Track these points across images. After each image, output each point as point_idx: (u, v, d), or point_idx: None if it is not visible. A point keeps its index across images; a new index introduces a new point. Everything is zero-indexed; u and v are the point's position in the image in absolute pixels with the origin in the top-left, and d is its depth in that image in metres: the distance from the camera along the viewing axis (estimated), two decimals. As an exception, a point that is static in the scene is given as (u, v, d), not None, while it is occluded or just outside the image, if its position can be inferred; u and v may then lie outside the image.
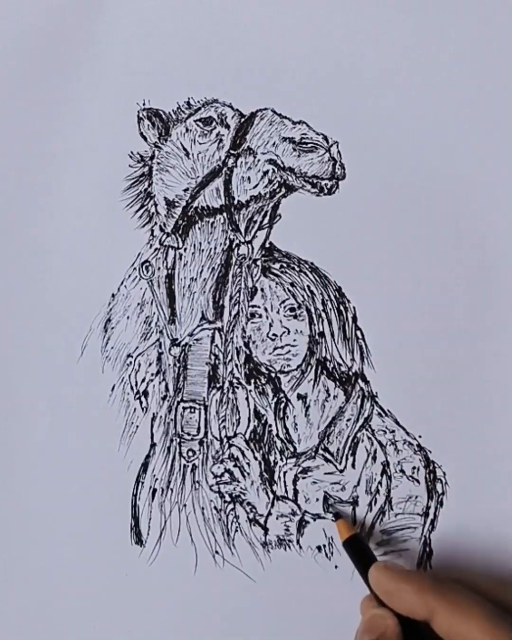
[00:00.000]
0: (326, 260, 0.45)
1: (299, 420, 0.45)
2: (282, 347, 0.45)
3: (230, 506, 0.45)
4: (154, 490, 0.45)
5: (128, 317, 0.46)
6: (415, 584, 0.38)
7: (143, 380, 0.46)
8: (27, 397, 0.46)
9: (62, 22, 0.47)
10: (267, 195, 0.45)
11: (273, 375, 0.45)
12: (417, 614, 0.38)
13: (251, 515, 0.45)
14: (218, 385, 0.45)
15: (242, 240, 0.45)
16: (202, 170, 0.45)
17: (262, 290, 0.45)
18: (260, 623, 0.44)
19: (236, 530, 0.45)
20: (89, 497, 0.46)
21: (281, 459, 0.45)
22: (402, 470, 0.44)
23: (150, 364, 0.46)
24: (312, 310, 0.45)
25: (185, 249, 0.46)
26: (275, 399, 0.45)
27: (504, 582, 0.42)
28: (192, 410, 0.45)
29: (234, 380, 0.45)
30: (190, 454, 0.45)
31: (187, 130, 0.46)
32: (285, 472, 0.45)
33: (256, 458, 0.45)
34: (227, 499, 0.45)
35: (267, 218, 0.45)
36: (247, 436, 0.45)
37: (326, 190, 0.44)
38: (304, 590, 0.44)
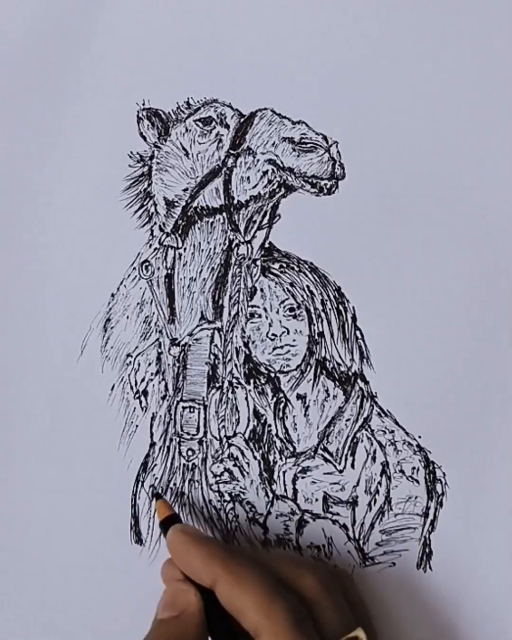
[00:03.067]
0: (326, 260, 0.45)
1: (299, 420, 0.45)
2: (281, 347, 0.45)
3: (230, 505, 0.45)
4: (154, 490, 0.46)
5: (128, 317, 0.46)
6: (204, 550, 0.38)
7: (143, 380, 0.46)
8: (27, 397, 0.47)
9: (62, 22, 0.47)
10: (267, 195, 0.45)
11: (272, 375, 0.45)
12: (203, 581, 0.37)
13: (250, 515, 0.45)
14: (218, 385, 0.45)
15: (242, 240, 0.45)
16: (202, 170, 0.45)
17: (261, 290, 0.45)
18: (259, 622, 0.44)
19: (236, 530, 0.45)
20: (88, 497, 0.46)
21: (281, 459, 0.45)
22: (401, 471, 0.44)
23: (149, 364, 0.46)
24: (312, 310, 0.45)
25: (184, 249, 0.46)
26: (274, 399, 0.45)
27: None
28: (192, 409, 0.45)
29: (234, 380, 0.45)
30: (189, 453, 0.45)
31: (186, 130, 0.46)
32: (284, 472, 0.45)
33: (255, 457, 0.45)
34: (227, 498, 0.45)
35: (267, 218, 0.45)
36: (246, 436, 0.45)
37: (325, 190, 0.44)
38: (303, 590, 0.44)
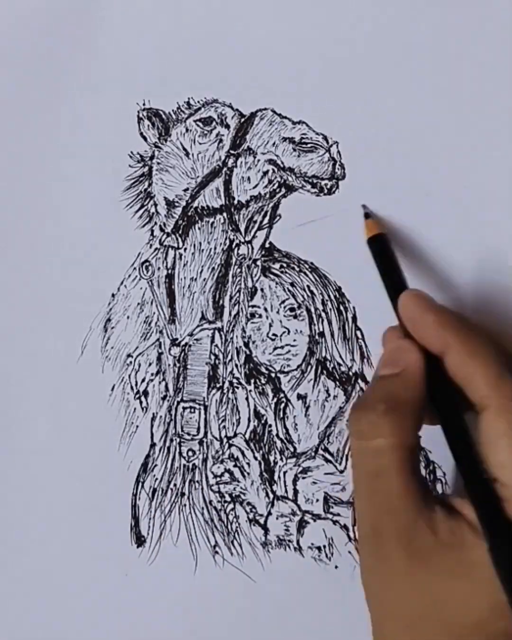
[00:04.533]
0: (326, 260, 0.45)
1: (299, 421, 0.45)
2: (282, 347, 0.45)
3: (230, 506, 0.45)
4: (154, 490, 0.46)
5: (128, 317, 0.46)
6: (439, 317, 0.36)
7: (143, 380, 0.46)
8: (27, 397, 0.47)
9: (61, 22, 0.47)
10: (267, 195, 0.45)
11: (273, 375, 0.45)
12: (434, 347, 0.36)
13: (251, 516, 0.45)
14: (218, 385, 0.45)
15: (242, 240, 0.45)
16: (202, 170, 0.46)
17: (262, 290, 0.45)
18: (260, 623, 0.44)
19: (236, 530, 0.45)
20: (88, 497, 0.46)
21: (281, 459, 0.45)
22: (402, 471, 0.44)
23: (150, 364, 0.46)
24: (312, 310, 0.45)
25: (185, 249, 0.46)
26: (275, 399, 0.45)
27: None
28: (192, 410, 0.45)
29: (234, 380, 0.45)
30: (190, 453, 0.45)
31: (187, 130, 0.46)
32: (285, 472, 0.45)
33: (255, 458, 0.45)
34: (227, 499, 0.45)
35: (267, 218, 0.45)
36: (247, 436, 0.45)
37: (325, 190, 0.44)
38: (304, 590, 0.44)
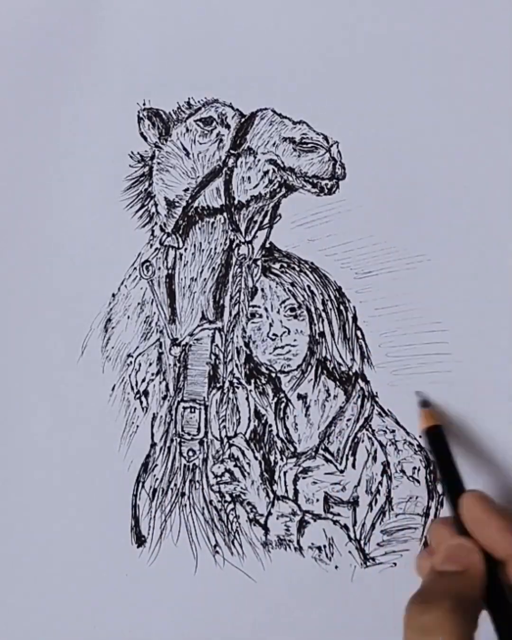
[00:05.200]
0: (326, 260, 0.45)
1: (299, 420, 0.45)
2: (282, 347, 0.45)
3: (231, 506, 0.45)
4: (155, 490, 0.46)
5: (128, 317, 0.46)
6: (504, 522, 0.36)
7: (143, 380, 0.46)
8: (28, 397, 0.47)
9: (62, 22, 0.47)
10: (268, 195, 0.45)
11: (273, 375, 0.45)
12: (496, 552, 0.36)
13: (251, 515, 0.45)
14: (218, 385, 0.45)
15: (243, 240, 0.45)
16: (203, 170, 0.46)
17: (262, 290, 0.45)
18: (260, 623, 0.44)
19: (236, 530, 0.45)
20: (89, 497, 0.46)
21: (281, 459, 0.45)
22: (402, 471, 0.44)
23: (150, 364, 0.46)
24: (313, 310, 0.45)
25: (185, 249, 0.46)
26: (275, 399, 0.45)
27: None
28: (193, 410, 0.45)
29: (235, 380, 0.45)
30: (190, 453, 0.45)
31: (187, 130, 0.46)
32: (285, 472, 0.45)
33: (256, 458, 0.45)
34: (228, 498, 0.45)
35: (268, 218, 0.45)
36: (247, 436, 0.45)
37: (326, 190, 0.44)
38: (304, 590, 0.44)
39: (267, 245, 0.45)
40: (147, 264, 0.46)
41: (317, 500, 0.44)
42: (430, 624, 0.34)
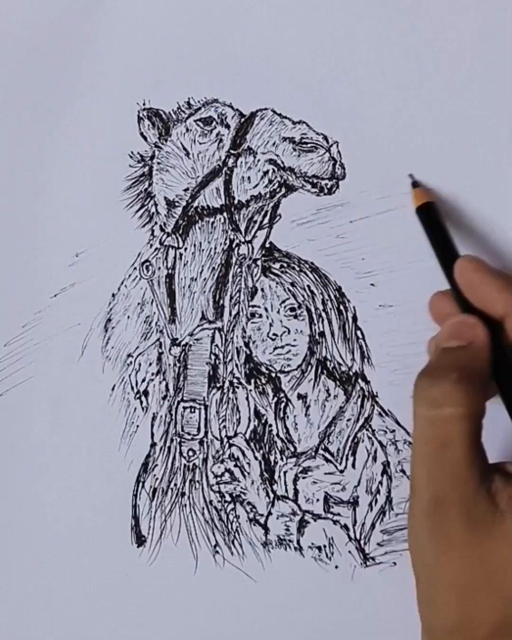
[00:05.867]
0: (326, 260, 0.45)
1: (299, 420, 0.45)
2: (282, 347, 0.45)
3: (231, 506, 0.45)
4: (155, 490, 0.46)
5: (128, 317, 0.46)
6: (500, 280, 0.37)
7: (143, 380, 0.46)
8: (28, 397, 0.47)
9: (62, 22, 0.47)
10: (267, 195, 0.45)
11: (273, 375, 0.45)
12: (495, 311, 0.36)
13: (251, 515, 0.45)
14: (218, 385, 0.45)
15: (243, 240, 0.45)
16: (203, 170, 0.46)
17: (262, 290, 0.45)
18: (260, 623, 0.44)
19: (236, 530, 0.45)
20: (89, 497, 0.46)
21: (281, 459, 0.45)
22: (402, 470, 0.44)
23: (150, 364, 0.46)
24: (313, 310, 0.45)
25: (185, 249, 0.46)
26: (275, 399, 0.45)
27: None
28: (193, 410, 0.45)
29: (234, 380, 0.45)
30: (190, 453, 0.45)
31: (187, 130, 0.46)
32: (285, 472, 0.45)
33: (256, 458, 0.45)
34: (228, 498, 0.45)
35: (267, 218, 0.45)
36: (247, 436, 0.45)
37: (326, 190, 0.44)
38: (304, 590, 0.44)
39: (267, 245, 0.45)
40: (147, 263, 0.46)
41: (317, 500, 0.44)
42: (438, 396, 0.34)
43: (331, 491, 0.44)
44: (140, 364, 0.46)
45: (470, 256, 0.39)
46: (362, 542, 0.44)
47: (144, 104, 0.46)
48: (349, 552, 0.44)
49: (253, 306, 0.45)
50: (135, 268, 0.46)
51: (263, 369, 0.45)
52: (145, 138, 0.46)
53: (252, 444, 0.45)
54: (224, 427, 0.45)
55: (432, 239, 0.41)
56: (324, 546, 0.44)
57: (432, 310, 0.40)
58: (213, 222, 0.45)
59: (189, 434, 0.45)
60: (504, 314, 0.36)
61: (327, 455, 0.44)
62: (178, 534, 0.45)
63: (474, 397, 0.34)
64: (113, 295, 0.46)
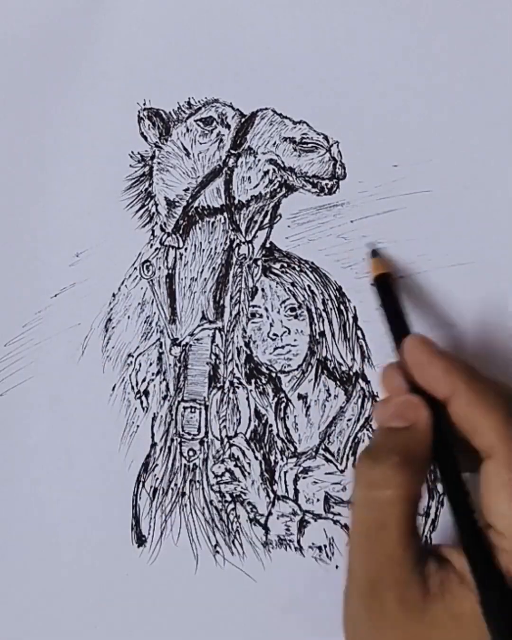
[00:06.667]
0: (326, 260, 0.45)
1: (300, 420, 0.45)
2: (282, 347, 0.45)
3: (231, 506, 0.45)
4: (155, 490, 0.46)
5: (129, 317, 0.46)
6: (446, 361, 0.36)
7: (144, 380, 0.46)
8: (28, 397, 0.47)
9: (62, 22, 0.47)
10: (268, 195, 0.45)
11: (274, 375, 0.45)
12: (439, 393, 0.36)
13: (252, 515, 0.45)
14: (219, 385, 0.45)
15: (243, 240, 0.45)
16: (203, 170, 0.46)
17: (262, 290, 0.45)
18: (260, 623, 0.44)
19: (237, 530, 0.45)
20: (89, 497, 0.46)
21: (282, 459, 0.45)
22: (403, 470, 0.44)
23: (150, 364, 0.46)
24: (313, 310, 0.45)
25: (185, 249, 0.46)
26: (275, 399, 0.45)
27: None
28: (193, 409, 0.45)
29: (235, 380, 0.45)
30: (191, 453, 0.45)
31: (187, 130, 0.46)
32: (285, 472, 0.45)
33: (256, 458, 0.45)
34: (228, 498, 0.45)
35: (268, 218, 0.45)
36: (247, 436, 0.45)
37: (326, 190, 0.44)
38: (304, 590, 0.44)
39: (268, 245, 0.45)
40: (148, 263, 0.46)
41: (318, 500, 0.44)
42: (378, 478, 0.34)
43: (331, 491, 0.44)
44: (140, 364, 0.46)
45: (418, 335, 0.39)
46: (362, 542, 0.44)
47: (144, 104, 0.46)
48: (350, 552, 0.44)
49: (253, 306, 0.45)
50: (135, 268, 0.46)
51: (263, 369, 0.45)
52: (145, 138, 0.46)
53: (252, 444, 0.45)
54: (225, 427, 0.45)
55: (386, 312, 0.41)
56: (325, 546, 0.44)
57: (383, 380, 0.39)
58: (213, 222, 0.45)
59: (189, 434, 0.45)
60: (449, 396, 0.36)
61: (327, 455, 0.44)
62: (178, 533, 0.45)
63: (413, 480, 0.34)
64: (113, 295, 0.46)
